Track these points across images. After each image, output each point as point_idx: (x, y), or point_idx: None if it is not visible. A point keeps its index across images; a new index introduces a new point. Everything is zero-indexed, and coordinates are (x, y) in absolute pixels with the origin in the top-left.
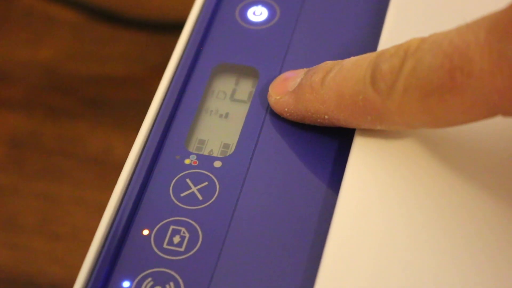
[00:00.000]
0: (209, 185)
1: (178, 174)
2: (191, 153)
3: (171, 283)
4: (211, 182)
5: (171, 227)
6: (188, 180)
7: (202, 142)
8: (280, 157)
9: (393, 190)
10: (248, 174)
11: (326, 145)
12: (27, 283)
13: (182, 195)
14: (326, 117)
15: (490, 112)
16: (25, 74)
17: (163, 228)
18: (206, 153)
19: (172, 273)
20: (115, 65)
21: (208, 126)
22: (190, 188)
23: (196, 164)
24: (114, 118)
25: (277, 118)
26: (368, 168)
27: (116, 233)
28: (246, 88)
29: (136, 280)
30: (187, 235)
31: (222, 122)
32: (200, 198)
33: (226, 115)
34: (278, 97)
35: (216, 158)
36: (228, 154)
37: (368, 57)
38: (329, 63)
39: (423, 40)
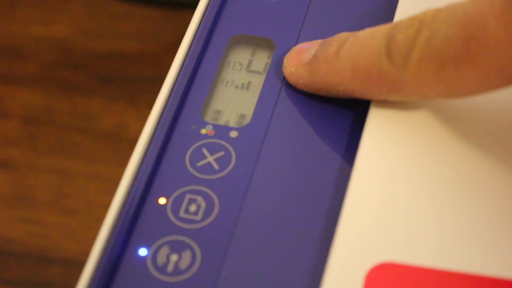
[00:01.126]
0: (225, 155)
1: (194, 144)
2: (207, 123)
3: (188, 251)
4: (227, 151)
5: (188, 196)
6: (204, 150)
7: (218, 112)
8: (296, 128)
9: (408, 161)
10: (264, 144)
11: (342, 116)
12: (41, 257)
13: (198, 164)
14: (341, 88)
15: (505, 82)
16: (39, 51)
17: (180, 197)
18: (222, 123)
19: (189, 241)
20: (130, 41)
21: (224, 97)
22: (206, 157)
23: (212, 134)
24: (128, 94)
25: (293, 89)
26: (383, 139)
27: (133, 202)
28: (262, 60)
29: (152, 248)
30: (203, 204)
31: (238, 93)
32: (216, 167)
33: (242, 86)
34: (293, 69)
35: (232, 128)
36: (244, 124)
37: (383, 28)
38: (344, 34)
39: (438, 11)
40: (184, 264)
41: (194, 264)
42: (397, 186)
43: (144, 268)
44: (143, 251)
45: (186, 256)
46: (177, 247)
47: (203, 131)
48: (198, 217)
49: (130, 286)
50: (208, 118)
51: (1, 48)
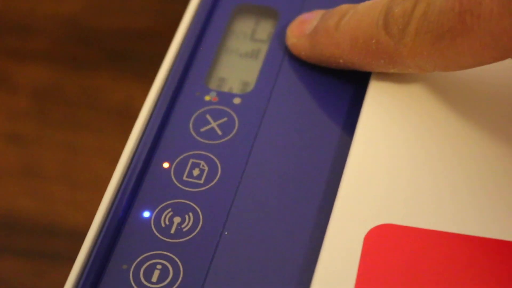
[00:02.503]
0: (228, 121)
1: (198, 110)
2: (211, 90)
3: (190, 214)
4: (230, 118)
5: (191, 160)
6: (208, 116)
7: (222, 80)
8: (298, 95)
9: (407, 128)
10: (267, 110)
11: (343, 85)
12: (49, 230)
13: (201, 130)
14: (341, 60)
15: (500, 55)
16: (48, 27)
17: (183, 161)
18: (225, 90)
19: (191, 204)
20: (138, 17)
21: (228, 65)
22: (210, 123)
23: (216, 101)
24: (136, 70)
25: (296, 58)
26: (383, 107)
27: (137, 165)
28: (265, 29)
29: (156, 210)
30: (206, 168)
31: (241, 61)
32: (220, 133)
33: (246, 54)
34: (295, 40)
35: (236, 95)
36: (247, 91)
37: (382, 1)
38: (344, 6)
39: None
40: (186, 226)
41: (197, 226)
42: (397, 153)
43: (148, 229)
44: (146, 213)
45: (189, 218)
46: (180, 210)
47: (207, 98)
48: (201, 181)
49: (133, 247)
50: (212, 85)
51: (11, 24)
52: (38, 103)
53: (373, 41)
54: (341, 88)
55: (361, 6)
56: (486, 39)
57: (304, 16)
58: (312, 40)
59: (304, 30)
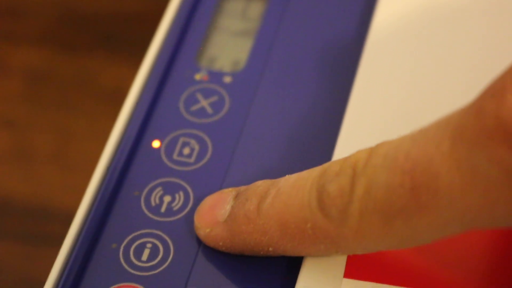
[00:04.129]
0: (219, 100)
1: (189, 89)
2: (202, 69)
3: (181, 192)
4: (221, 96)
5: (181, 139)
6: (198, 95)
7: (212, 58)
8: (289, 75)
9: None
10: (258, 89)
11: (335, 63)
12: (41, 213)
13: (192, 109)
14: (270, 249)
15: (465, 228)
16: (40, 10)
17: (173, 140)
18: (216, 68)
19: (182, 183)
20: (130, 1)
21: (218, 43)
22: (200, 102)
23: (206, 79)
24: (128, 53)
25: (288, 37)
26: (373, 89)
27: (127, 144)
28: (257, 7)
29: (146, 189)
30: (196, 147)
31: (232, 40)
32: (210, 111)
33: (237, 32)
34: (208, 230)
35: (226, 74)
36: (238, 70)
37: (309, 176)
38: (261, 185)
39: (371, 153)
40: (177, 205)
41: (187, 205)
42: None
43: (138, 208)
44: (136, 192)
45: (179, 197)
46: (170, 189)
47: (197, 76)
48: (192, 160)
49: (123, 226)
50: (203, 63)
51: (3, 7)
52: (30, 86)
53: (309, 226)
54: (333, 65)
55: (283, 184)
56: (448, 215)
57: (212, 200)
58: (230, 229)
59: (216, 217)
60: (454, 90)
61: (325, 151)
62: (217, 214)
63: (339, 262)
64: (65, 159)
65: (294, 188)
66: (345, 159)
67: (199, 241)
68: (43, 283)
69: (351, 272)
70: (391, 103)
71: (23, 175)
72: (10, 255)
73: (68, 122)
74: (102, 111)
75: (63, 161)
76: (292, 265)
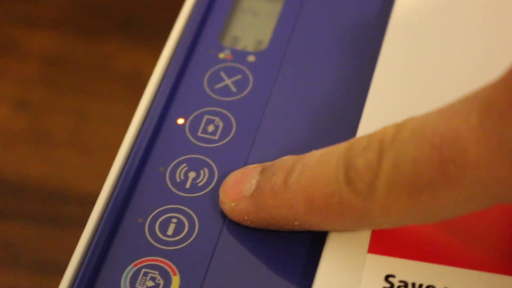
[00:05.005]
0: (243, 78)
1: (213, 67)
2: (225, 48)
3: (205, 169)
4: (244, 75)
5: (206, 116)
6: (222, 73)
7: (236, 38)
8: (312, 55)
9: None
10: (281, 68)
11: (357, 42)
12: (59, 195)
13: (216, 87)
14: (295, 223)
15: (491, 202)
16: None
17: (198, 117)
18: (240, 48)
19: (207, 159)
20: None
21: (242, 23)
22: (224, 80)
23: (230, 58)
24: (145, 37)
25: (311, 17)
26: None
27: (152, 121)
28: None
29: (171, 165)
30: (221, 124)
31: (255, 20)
32: (234, 90)
33: (260, 13)
34: (233, 204)
35: (250, 53)
36: (261, 49)
37: (335, 151)
38: (287, 160)
39: (399, 128)
40: (201, 181)
41: (212, 181)
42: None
43: (163, 184)
44: (161, 168)
45: (204, 173)
46: (195, 165)
47: (221, 55)
48: (216, 137)
49: (149, 201)
50: (226, 43)
51: None
52: (47, 70)
53: (335, 200)
54: (356, 43)
55: (310, 158)
56: (474, 189)
57: (237, 175)
58: (256, 203)
59: (242, 192)
60: (478, 67)
61: (348, 129)
62: (242, 188)
63: (364, 238)
64: (82, 141)
65: (321, 162)
66: (372, 134)
67: (224, 216)
68: (59, 264)
69: (375, 247)
70: (414, 81)
71: (40, 158)
72: (26, 236)
73: (85, 105)
74: (118, 95)
75: (80, 144)
76: (316, 241)
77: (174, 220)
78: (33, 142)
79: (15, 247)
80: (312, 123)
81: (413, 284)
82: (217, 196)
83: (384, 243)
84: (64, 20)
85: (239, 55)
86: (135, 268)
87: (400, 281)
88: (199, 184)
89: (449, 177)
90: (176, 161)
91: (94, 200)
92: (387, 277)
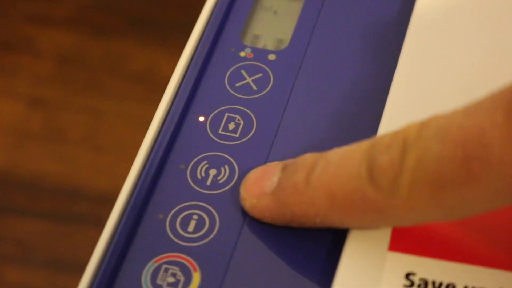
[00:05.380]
0: (264, 77)
1: (233, 66)
2: (246, 46)
3: (226, 166)
4: (265, 73)
5: (226, 114)
6: (243, 71)
7: (256, 36)
8: (332, 53)
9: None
10: (302, 66)
11: (378, 41)
12: (72, 193)
13: (237, 85)
14: (317, 220)
15: None
16: None
17: (219, 115)
18: (260, 46)
19: (227, 157)
20: None
21: (262, 22)
22: (245, 78)
23: (251, 57)
24: (159, 37)
25: (331, 16)
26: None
27: (173, 119)
28: None
29: (192, 163)
30: (241, 122)
31: (276, 19)
32: (255, 88)
33: (281, 12)
34: (254, 201)
35: (271, 51)
36: (282, 48)
37: (358, 148)
38: (309, 157)
39: (423, 126)
40: (222, 178)
41: (233, 178)
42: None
43: (184, 180)
44: (182, 165)
45: (225, 171)
46: (215, 162)
47: (242, 54)
48: (237, 134)
49: (170, 197)
50: (247, 41)
51: None
52: (62, 68)
53: (357, 196)
54: (376, 42)
55: (332, 156)
56: (498, 186)
57: (258, 172)
58: (277, 199)
59: (263, 188)
60: (501, 65)
61: (369, 127)
62: (264, 185)
63: (384, 236)
64: (96, 140)
65: (343, 159)
66: (396, 132)
67: (244, 213)
68: (72, 261)
69: (396, 245)
70: (436, 79)
71: (54, 155)
72: (41, 233)
73: (99, 104)
74: (132, 93)
75: (94, 142)
76: (337, 239)
77: (195, 217)
78: (48, 140)
79: (29, 245)
80: (332, 121)
81: (433, 282)
82: (238, 193)
83: (404, 241)
84: (79, 19)
85: (260, 54)
86: (156, 264)
87: (421, 279)
88: (220, 181)
89: (473, 174)
90: (197, 158)
91: (108, 198)
92: (407, 275)
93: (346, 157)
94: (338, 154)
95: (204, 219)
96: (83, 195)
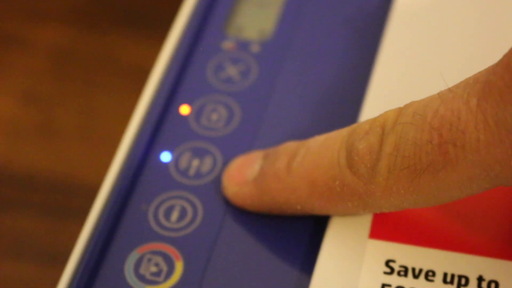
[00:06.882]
0: (247, 68)
1: (217, 57)
2: (229, 37)
3: (209, 157)
4: (249, 64)
5: (210, 105)
6: (226, 63)
7: (240, 28)
8: (316, 43)
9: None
10: (286, 57)
11: (361, 31)
12: (67, 187)
13: (220, 76)
14: (298, 207)
15: (491, 185)
16: None
17: (202, 106)
18: (244, 37)
19: (210, 148)
20: None
21: (246, 13)
22: (229, 69)
23: (234, 48)
24: (151, 32)
25: (315, 6)
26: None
27: (155, 110)
28: None
29: (175, 153)
30: (225, 113)
31: (260, 10)
32: (238, 79)
33: (264, 2)
34: (236, 189)
35: (254, 42)
36: (266, 39)
37: (338, 135)
38: (290, 145)
39: (400, 112)
40: (205, 169)
41: (215, 169)
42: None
43: (167, 171)
44: (166, 157)
45: (207, 161)
46: (199, 153)
47: (225, 45)
48: (220, 126)
49: (152, 188)
50: (230, 33)
51: None
52: (55, 63)
53: (337, 183)
54: (359, 32)
55: (313, 143)
56: (474, 170)
57: (240, 160)
58: (259, 187)
59: (245, 176)
60: (479, 52)
61: (351, 118)
62: (245, 173)
63: (365, 223)
64: (89, 134)
65: (323, 147)
66: (374, 119)
67: (227, 203)
68: (66, 255)
69: (376, 233)
70: (416, 68)
71: (48, 150)
72: (35, 228)
73: (92, 98)
74: (125, 88)
75: (87, 137)
76: (318, 226)
77: (177, 207)
78: (41, 135)
79: (22, 239)
80: (316, 112)
81: (413, 269)
82: (220, 183)
83: (385, 228)
84: (72, 14)
85: (243, 45)
86: (139, 254)
87: (401, 266)
88: (203, 172)
89: (448, 159)
90: (180, 149)
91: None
92: (387, 262)
93: (326, 145)
94: (318, 141)
95: (186, 209)
96: (76, 189)
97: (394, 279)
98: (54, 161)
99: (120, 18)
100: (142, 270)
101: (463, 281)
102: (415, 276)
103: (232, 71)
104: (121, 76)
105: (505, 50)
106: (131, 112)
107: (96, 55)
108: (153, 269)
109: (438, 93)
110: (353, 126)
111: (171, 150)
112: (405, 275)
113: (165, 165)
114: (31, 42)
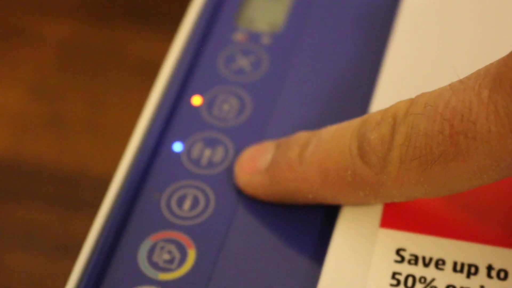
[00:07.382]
0: (258, 59)
1: (228, 48)
2: (241, 29)
3: (221, 147)
4: (260, 56)
5: (222, 95)
6: (237, 54)
7: (251, 19)
8: (327, 34)
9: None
10: (297, 49)
11: (372, 23)
12: (74, 180)
13: (231, 67)
14: (310, 196)
15: (501, 175)
16: None
17: (213, 97)
18: (255, 29)
19: (222, 138)
20: None
21: (257, 6)
22: (240, 61)
23: (245, 39)
24: (160, 25)
25: (324, 1)
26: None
27: (167, 100)
28: None
29: (187, 143)
30: (237, 103)
31: (271, 3)
32: (250, 70)
33: None
34: (247, 178)
35: (265, 34)
36: (277, 31)
37: (350, 125)
38: (302, 135)
39: (411, 103)
40: (217, 158)
41: (227, 159)
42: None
43: (179, 161)
44: (178, 146)
45: (219, 151)
46: (211, 143)
47: (236, 37)
48: (232, 116)
49: (165, 177)
50: (241, 24)
51: None
52: (63, 56)
53: (349, 173)
54: (370, 23)
55: (324, 133)
56: (485, 162)
57: (252, 150)
58: (271, 176)
59: (257, 166)
60: (489, 44)
61: (362, 109)
62: (257, 162)
63: (376, 212)
64: (97, 127)
65: (335, 137)
66: (386, 110)
67: (239, 192)
68: (74, 246)
69: (387, 222)
70: (426, 59)
71: (56, 143)
72: (42, 220)
73: (100, 92)
74: (133, 82)
75: (95, 130)
76: (329, 215)
77: (190, 196)
78: (49, 128)
79: (31, 230)
80: (326, 103)
81: (424, 258)
82: (233, 173)
83: (395, 217)
84: (81, 8)
85: (255, 36)
86: (152, 242)
87: (411, 255)
88: (215, 162)
89: (460, 150)
90: (192, 139)
91: (109, 185)
92: (398, 251)
93: (338, 135)
94: (330, 131)
95: (199, 198)
96: (84, 181)
97: (404, 268)
98: (62, 153)
99: (128, 12)
100: (155, 258)
101: (472, 269)
102: (425, 265)
103: (243, 62)
104: (129, 70)
105: None
106: (138, 105)
107: (104, 49)
108: (166, 256)
109: (450, 85)
110: (365, 116)
111: (183, 140)
112: (416, 263)
113: (177, 154)
114: (40, 36)
